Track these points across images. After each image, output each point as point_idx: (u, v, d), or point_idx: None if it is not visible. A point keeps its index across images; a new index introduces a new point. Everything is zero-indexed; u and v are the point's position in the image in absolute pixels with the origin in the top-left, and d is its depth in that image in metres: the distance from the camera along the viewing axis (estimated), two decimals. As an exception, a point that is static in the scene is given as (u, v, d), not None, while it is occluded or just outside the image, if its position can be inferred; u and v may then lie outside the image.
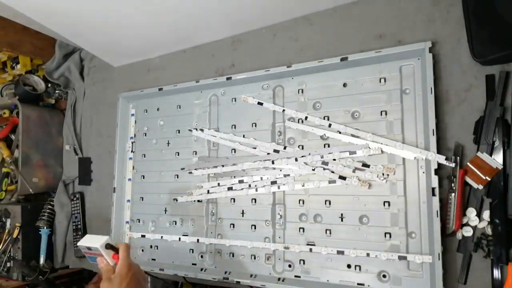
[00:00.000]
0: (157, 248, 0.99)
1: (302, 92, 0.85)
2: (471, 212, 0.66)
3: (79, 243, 0.68)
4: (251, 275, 0.84)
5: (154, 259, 1.00)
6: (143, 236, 1.03)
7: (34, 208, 1.20)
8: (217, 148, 0.94)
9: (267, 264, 0.84)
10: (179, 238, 0.96)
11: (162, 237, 0.99)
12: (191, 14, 0.89)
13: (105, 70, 1.22)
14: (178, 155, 1.01)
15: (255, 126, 0.90)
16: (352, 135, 0.77)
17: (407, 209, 0.71)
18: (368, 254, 0.73)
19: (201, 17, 0.90)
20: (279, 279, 0.81)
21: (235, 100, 0.93)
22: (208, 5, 0.84)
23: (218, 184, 0.92)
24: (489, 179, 0.64)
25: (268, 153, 0.86)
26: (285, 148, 0.84)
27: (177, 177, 1.00)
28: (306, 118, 0.83)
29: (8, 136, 1.26)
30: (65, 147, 1.27)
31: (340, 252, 0.75)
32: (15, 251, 1.15)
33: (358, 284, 0.74)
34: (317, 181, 0.80)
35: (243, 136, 0.90)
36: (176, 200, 0.98)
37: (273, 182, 0.85)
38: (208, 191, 0.93)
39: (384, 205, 0.73)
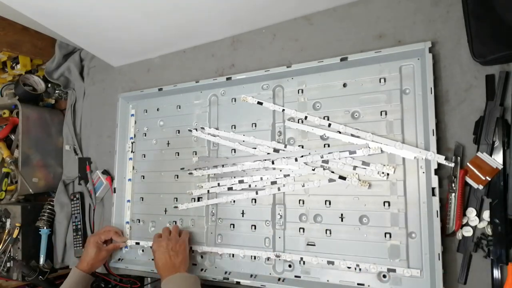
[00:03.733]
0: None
1: (302, 92, 0.85)
2: (471, 212, 0.66)
3: None
4: (251, 275, 0.84)
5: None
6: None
7: (34, 208, 1.20)
8: (217, 149, 0.94)
9: (267, 264, 0.84)
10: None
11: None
12: (190, 14, 0.88)
13: (105, 70, 1.22)
14: (178, 155, 1.01)
15: (255, 126, 0.90)
16: (352, 135, 0.77)
17: (407, 209, 0.72)
18: (357, 265, 0.74)
19: (201, 17, 0.90)
20: (279, 279, 0.81)
21: (235, 100, 0.93)
22: (208, 5, 0.84)
23: (218, 184, 0.92)
24: (489, 179, 0.64)
25: (268, 153, 0.86)
26: (285, 146, 0.84)
27: (177, 177, 1.00)
28: (306, 118, 0.83)
29: (8, 136, 1.26)
30: (65, 147, 1.26)
31: (331, 263, 0.76)
32: (15, 251, 1.15)
33: (358, 284, 0.74)
34: (317, 181, 0.80)
35: (243, 136, 0.90)
36: (177, 208, 0.98)
37: (273, 183, 0.85)
38: (208, 191, 0.93)
39: (384, 205, 0.73)
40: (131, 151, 1.09)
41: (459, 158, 0.67)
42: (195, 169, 0.96)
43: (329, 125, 0.80)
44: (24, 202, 1.25)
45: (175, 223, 0.98)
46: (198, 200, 0.95)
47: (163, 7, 0.85)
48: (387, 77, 0.76)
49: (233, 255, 0.88)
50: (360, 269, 0.74)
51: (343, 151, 0.77)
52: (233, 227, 0.89)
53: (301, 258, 0.79)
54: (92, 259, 0.95)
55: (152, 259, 0.99)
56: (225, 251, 0.89)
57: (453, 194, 0.66)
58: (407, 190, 0.72)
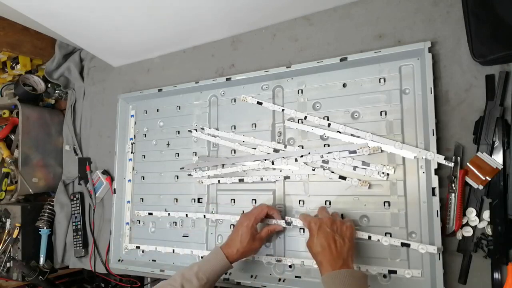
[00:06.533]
0: (157, 249, 0.99)
1: (302, 92, 0.85)
2: (471, 212, 0.66)
3: None
4: (251, 276, 0.84)
5: (155, 260, 1.00)
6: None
7: (34, 208, 1.20)
8: (217, 149, 0.94)
9: (268, 265, 0.84)
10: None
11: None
12: (191, 14, 0.88)
13: (105, 70, 1.22)
14: (178, 156, 1.00)
15: (255, 126, 0.89)
16: (352, 135, 0.77)
17: (407, 209, 0.71)
18: (359, 268, 0.73)
19: (201, 17, 0.90)
20: (279, 279, 0.81)
21: (235, 101, 0.93)
22: (208, 5, 0.84)
23: (219, 181, 0.92)
24: (489, 179, 0.64)
25: (268, 153, 0.86)
26: (285, 147, 0.84)
27: (177, 178, 1.00)
28: (305, 118, 0.82)
29: (8, 136, 1.26)
30: (65, 147, 1.27)
31: None
32: (15, 251, 1.15)
33: (358, 284, 0.74)
34: (317, 181, 0.80)
35: (243, 136, 0.90)
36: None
37: (273, 183, 0.85)
38: (208, 186, 0.94)
39: (384, 205, 0.73)
40: (131, 152, 1.09)
41: (459, 158, 0.67)
42: (194, 169, 0.96)
43: (329, 125, 0.80)
44: (24, 202, 1.25)
45: (176, 224, 0.98)
46: (199, 201, 0.95)
47: (163, 7, 0.85)
48: (386, 77, 0.76)
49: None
50: (360, 269, 0.73)
51: (343, 151, 0.77)
52: (233, 227, 0.89)
53: (303, 262, 0.79)
54: (244, 247, 0.75)
55: (153, 260, 1.00)
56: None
57: (453, 194, 0.66)
58: (407, 190, 0.72)
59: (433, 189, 0.67)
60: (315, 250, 0.65)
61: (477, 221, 0.65)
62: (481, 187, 0.65)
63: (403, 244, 0.70)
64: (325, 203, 0.79)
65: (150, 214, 1.02)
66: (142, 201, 1.05)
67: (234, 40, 0.98)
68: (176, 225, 0.98)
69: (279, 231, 0.81)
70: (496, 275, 0.63)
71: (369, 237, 0.72)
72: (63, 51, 1.25)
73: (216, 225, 0.92)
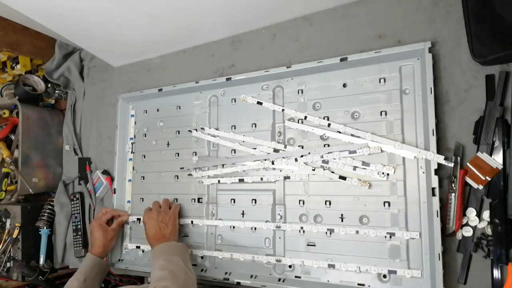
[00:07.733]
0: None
1: (302, 92, 0.85)
2: (471, 212, 0.66)
3: None
4: (251, 276, 0.84)
5: (154, 260, 1.00)
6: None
7: (34, 208, 1.20)
8: (217, 149, 0.94)
9: (268, 265, 0.84)
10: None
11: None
12: (190, 14, 0.89)
13: (105, 70, 1.22)
14: (178, 156, 1.00)
15: (255, 126, 0.89)
16: (352, 135, 0.77)
17: (407, 209, 0.72)
18: (359, 268, 0.73)
19: (201, 17, 0.90)
20: (279, 279, 0.81)
21: (235, 101, 0.93)
22: (208, 5, 0.84)
23: (219, 181, 0.92)
24: (489, 179, 0.64)
25: (268, 153, 0.86)
26: (285, 147, 0.84)
27: (177, 178, 1.00)
28: (305, 118, 0.82)
29: (8, 136, 1.26)
30: (65, 147, 1.26)
31: (331, 266, 0.76)
32: (15, 251, 1.15)
33: (358, 284, 0.74)
34: (317, 181, 0.80)
35: (243, 136, 0.90)
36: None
37: (273, 183, 0.85)
38: (208, 186, 0.94)
39: (384, 205, 0.73)
40: (131, 152, 1.09)
41: (459, 158, 0.67)
42: (194, 169, 0.96)
43: (329, 125, 0.80)
44: (24, 202, 1.25)
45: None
46: (199, 201, 0.95)
47: (163, 7, 0.85)
48: (387, 77, 0.76)
49: (233, 255, 0.88)
50: (360, 269, 0.74)
51: (343, 151, 0.77)
52: (233, 227, 0.89)
53: (302, 262, 0.79)
54: (102, 240, 0.95)
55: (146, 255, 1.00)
56: (226, 255, 0.89)
57: (453, 194, 0.66)
58: (407, 190, 0.72)
59: (433, 189, 0.67)
60: (147, 236, 0.88)
61: (477, 221, 0.66)
62: (481, 187, 0.65)
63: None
64: (325, 203, 0.79)
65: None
66: (142, 201, 1.05)
67: (234, 40, 0.98)
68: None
69: (125, 220, 1.03)
70: (496, 275, 0.63)
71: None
72: (63, 51, 1.25)
73: (216, 225, 0.92)
